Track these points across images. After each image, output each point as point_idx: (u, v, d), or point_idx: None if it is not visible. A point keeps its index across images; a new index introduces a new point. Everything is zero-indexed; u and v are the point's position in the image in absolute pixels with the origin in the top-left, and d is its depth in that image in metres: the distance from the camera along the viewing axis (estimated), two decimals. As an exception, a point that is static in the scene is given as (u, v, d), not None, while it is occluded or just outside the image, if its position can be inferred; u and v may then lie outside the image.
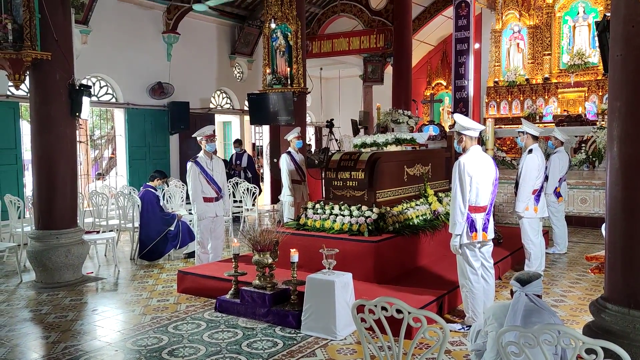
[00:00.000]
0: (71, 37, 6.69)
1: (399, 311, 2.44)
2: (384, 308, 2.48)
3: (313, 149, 15.17)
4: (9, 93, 8.93)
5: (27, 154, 9.80)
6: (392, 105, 12.03)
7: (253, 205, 9.40)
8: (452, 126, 10.82)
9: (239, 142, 12.02)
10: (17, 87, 6.41)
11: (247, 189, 9.42)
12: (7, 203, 7.54)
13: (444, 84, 16.55)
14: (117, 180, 10.87)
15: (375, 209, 5.67)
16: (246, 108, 13.64)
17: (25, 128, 10.09)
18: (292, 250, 4.84)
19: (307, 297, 4.62)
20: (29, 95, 6.58)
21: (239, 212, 9.57)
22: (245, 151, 12.10)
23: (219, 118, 13.46)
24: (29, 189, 9.12)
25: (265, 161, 14.03)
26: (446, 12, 15.11)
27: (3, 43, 6.11)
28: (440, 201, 6.53)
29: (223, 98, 13.42)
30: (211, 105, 12.91)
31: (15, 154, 8.97)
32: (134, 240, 7.55)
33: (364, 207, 5.74)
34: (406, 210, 5.98)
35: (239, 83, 13.60)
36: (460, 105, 13.16)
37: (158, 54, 11.42)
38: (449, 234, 4.62)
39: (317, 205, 6.11)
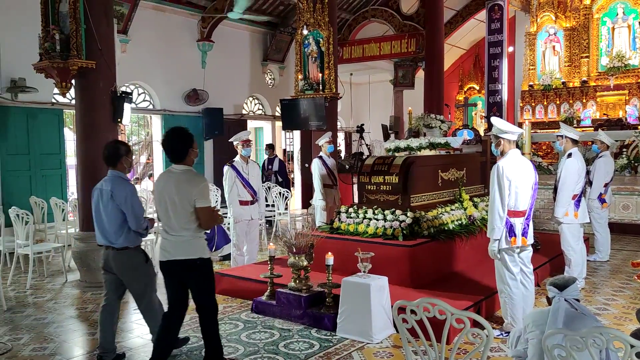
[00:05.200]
0: (114, 46, 6.94)
1: (441, 312, 2.46)
2: (425, 309, 2.51)
3: (343, 154, 15.23)
4: (54, 101, 9.29)
5: (69, 159, 10.18)
6: (423, 110, 11.99)
7: (285, 209, 9.50)
8: (487, 130, 10.71)
9: (270, 147, 12.19)
10: (64, 95, 6.69)
11: (280, 192, 9.54)
12: (52, 205, 7.84)
13: (477, 88, 16.39)
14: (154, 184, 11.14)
15: (409, 213, 5.67)
16: (278, 114, 13.83)
17: (68, 134, 10.48)
18: (327, 253, 4.90)
19: (342, 300, 4.66)
20: (74, 102, 6.83)
21: (271, 216, 9.69)
22: (276, 156, 12.25)
23: (251, 124, 13.65)
24: (71, 193, 9.45)
25: (297, 166, 14.15)
26: (479, 15, 15.00)
27: (51, 53, 6.38)
28: (475, 206, 6.48)
29: (255, 104, 13.62)
30: (244, 111, 13.12)
31: (59, 159, 9.32)
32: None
33: (398, 211, 5.76)
34: (441, 214, 5.96)
35: (270, 89, 13.78)
36: (494, 109, 13.01)
37: (193, 62, 11.70)
38: (485, 239, 4.61)
39: (351, 209, 6.15)
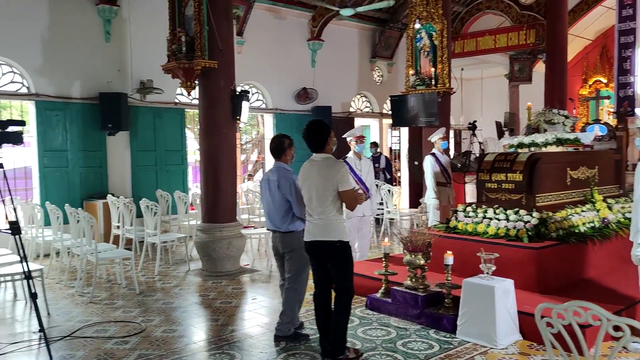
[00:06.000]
0: (233, 46, 7.27)
1: (595, 318, 2.21)
2: (576, 313, 2.27)
3: (452, 153, 14.67)
4: (176, 101, 9.95)
5: (189, 156, 10.86)
6: (544, 105, 11.19)
7: (395, 206, 9.36)
8: (618, 125, 9.73)
9: (374, 145, 12.08)
10: (189, 93, 7.11)
11: (389, 190, 9.41)
12: (176, 199, 8.40)
13: (604, 81, 14.99)
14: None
15: (535, 214, 5.29)
16: (385, 111, 13.69)
17: (188, 132, 11.17)
18: (447, 252, 4.71)
19: (463, 302, 4.45)
20: (194, 102, 7.24)
21: (380, 214, 9.59)
22: (381, 153, 12.12)
23: (358, 122, 13.64)
24: (189, 188, 10.06)
25: (403, 164, 13.89)
26: (607, 2, 13.69)
27: (178, 54, 6.81)
28: (610, 208, 5.91)
29: (363, 102, 13.59)
30: (351, 109, 13.15)
31: (181, 155, 9.97)
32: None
33: (522, 211, 5.39)
34: (571, 216, 5.49)
35: (378, 86, 13.68)
36: (625, 104, 11.79)
37: (303, 61, 11.94)
38: (622, 244, 4.18)
39: (469, 208, 5.87)
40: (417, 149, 11.68)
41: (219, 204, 6.77)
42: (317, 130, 3.99)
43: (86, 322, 4.94)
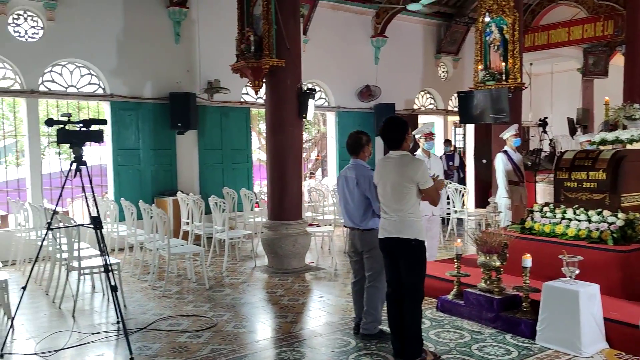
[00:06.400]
0: (300, 45, 7.28)
1: None
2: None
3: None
4: (242, 100, 10.12)
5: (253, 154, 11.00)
6: (622, 100, 10.50)
7: (462, 206, 9.08)
8: None
9: (448, 142, 11.78)
10: (256, 92, 7.18)
11: (456, 189, 9.14)
12: (242, 196, 8.54)
13: (689, 73, 13.89)
14: (328, 178, 11.56)
15: (620, 215, 4.95)
16: (450, 108, 13.33)
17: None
18: (525, 254, 4.49)
19: (543, 306, 4.22)
20: (263, 100, 7.31)
21: (447, 214, 9.33)
22: (454, 151, 11.80)
23: (422, 119, 13.36)
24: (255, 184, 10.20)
25: (470, 162, 13.49)
26: (695, -13, 12.66)
27: (246, 53, 6.90)
28: None
29: (427, 98, 13.31)
30: (415, 106, 12.90)
31: (246, 154, 10.12)
32: (346, 234, 7.87)
33: (605, 212, 5.06)
34: (661, 217, 5.09)
35: (443, 83, 13.34)
36: None
37: (366, 58, 11.82)
38: None
39: (546, 208, 5.59)
40: (485, 147, 11.31)
41: (285, 201, 6.81)
42: (395, 127, 3.91)
43: (160, 315, 5.09)
